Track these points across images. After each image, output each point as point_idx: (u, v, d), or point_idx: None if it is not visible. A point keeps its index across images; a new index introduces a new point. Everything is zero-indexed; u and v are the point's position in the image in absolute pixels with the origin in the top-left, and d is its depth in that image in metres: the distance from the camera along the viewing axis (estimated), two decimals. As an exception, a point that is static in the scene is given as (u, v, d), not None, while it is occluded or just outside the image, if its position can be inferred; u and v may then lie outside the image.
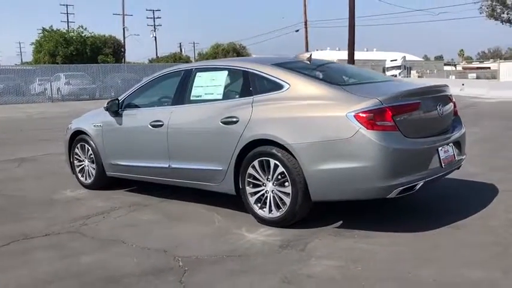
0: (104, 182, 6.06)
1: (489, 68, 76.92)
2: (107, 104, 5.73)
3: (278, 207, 4.26)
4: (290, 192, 4.13)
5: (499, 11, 55.00)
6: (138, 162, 5.48)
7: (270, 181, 4.30)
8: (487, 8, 55.07)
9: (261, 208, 4.39)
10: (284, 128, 4.17)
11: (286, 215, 4.19)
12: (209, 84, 4.93)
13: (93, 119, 6.10)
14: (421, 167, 4.01)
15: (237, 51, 54.16)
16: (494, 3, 54.63)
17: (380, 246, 3.77)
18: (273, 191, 4.29)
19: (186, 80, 5.12)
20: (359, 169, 3.82)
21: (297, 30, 44.66)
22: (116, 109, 5.65)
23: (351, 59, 32.22)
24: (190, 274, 3.40)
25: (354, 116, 3.82)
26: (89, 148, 6.04)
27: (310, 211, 4.29)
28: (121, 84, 30.35)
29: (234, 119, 4.49)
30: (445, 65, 78.08)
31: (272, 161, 4.23)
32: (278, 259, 3.61)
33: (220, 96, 4.79)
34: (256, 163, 4.35)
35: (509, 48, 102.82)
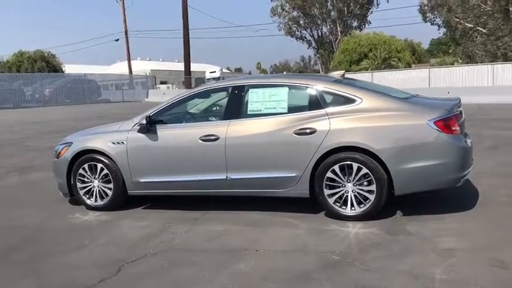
0: (121, 201, 5.87)
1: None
2: (139, 120, 5.60)
3: (359, 204, 4.99)
4: (374, 189, 4.91)
5: (294, 29, 62.75)
6: (182, 177, 5.52)
7: (350, 182, 4.99)
8: (285, 26, 62.46)
9: (340, 207, 5.05)
10: (367, 136, 4.93)
11: (371, 210, 4.95)
12: (268, 99, 5.37)
13: (108, 137, 5.83)
14: (470, 161, 5.21)
15: (46, 60, 50.05)
16: (290, 23, 62.11)
17: (461, 223, 4.81)
18: (353, 190, 5.00)
19: (238, 95, 5.46)
20: (440, 165, 4.84)
21: (117, 40, 43.86)
22: (148, 125, 5.58)
23: (187, 71, 33.35)
24: (360, 263, 3.91)
25: (434, 123, 4.82)
26: (103, 167, 5.77)
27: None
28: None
29: (309, 130, 5.06)
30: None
31: (355, 165, 4.94)
32: (405, 244, 4.33)
33: (285, 110, 5.28)
34: (336, 167, 5.00)
35: (296, 62, 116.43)
